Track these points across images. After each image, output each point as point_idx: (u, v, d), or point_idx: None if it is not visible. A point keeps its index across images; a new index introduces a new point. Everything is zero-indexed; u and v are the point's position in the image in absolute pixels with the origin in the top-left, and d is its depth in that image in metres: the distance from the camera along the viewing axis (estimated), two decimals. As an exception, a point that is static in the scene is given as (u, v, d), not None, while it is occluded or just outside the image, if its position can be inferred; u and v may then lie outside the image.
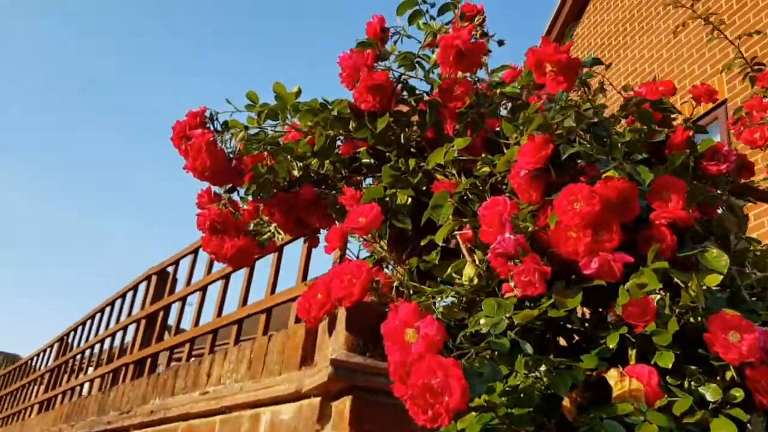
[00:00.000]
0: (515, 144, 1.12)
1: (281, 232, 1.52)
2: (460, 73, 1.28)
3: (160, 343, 3.63)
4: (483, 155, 1.22)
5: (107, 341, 4.69)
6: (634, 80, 5.54)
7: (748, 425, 0.84)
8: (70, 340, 5.79)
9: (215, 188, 1.45)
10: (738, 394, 0.86)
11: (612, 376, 0.85)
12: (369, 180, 1.49)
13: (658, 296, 0.94)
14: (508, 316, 0.90)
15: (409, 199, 1.27)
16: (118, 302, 4.63)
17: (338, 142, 1.45)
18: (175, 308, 3.69)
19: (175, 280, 3.88)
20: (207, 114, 1.38)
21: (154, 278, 4.04)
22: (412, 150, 1.40)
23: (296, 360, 1.29)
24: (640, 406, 0.80)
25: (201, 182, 1.40)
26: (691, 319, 0.93)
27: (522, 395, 0.87)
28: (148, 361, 3.67)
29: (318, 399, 1.18)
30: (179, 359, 3.48)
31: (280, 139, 1.45)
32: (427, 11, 1.39)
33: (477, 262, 1.05)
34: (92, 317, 5.19)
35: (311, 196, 1.44)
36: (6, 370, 7.88)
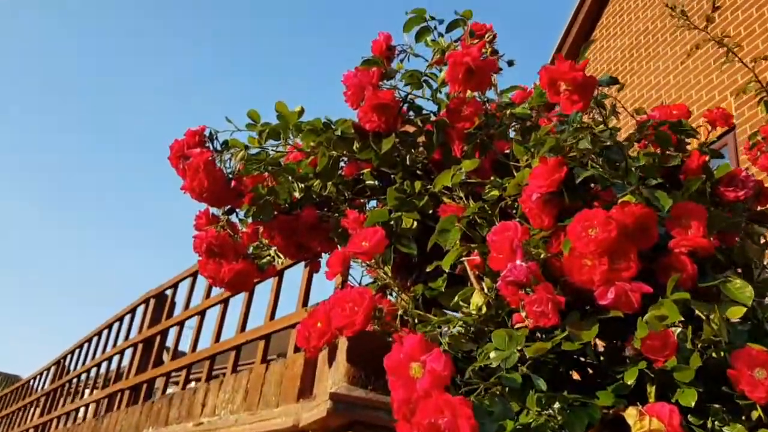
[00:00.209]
0: (526, 166, 1.09)
1: (281, 255, 1.47)
2: (469, 93, 1.24)
3: (156, 369, 3.57)
4: (492, 178, 1.17)
5: (104, 365, 4.64)
6: (641, 107, 5.53)
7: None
8: (67, 362, 5.73)
9: (213, 209, 1.40)
10: (766, 435, 0.80)
11: (631, 414, 0.81)
12: (373, 203, 1.45)
13: (678, 329, 0.89)
14: (519, 348, 0.86)
15: (415, 223, 1.23)
16: (116, 325, 4.59)
17: (341, 163, 1.40)
18: (173, 332, 3.65)
19: (173, 304, 3.84)
20: (206, 133, 1.34)
21: (152, 301, 4.00)
22: (418, 172, 1.35)
23: (294, 391, 1.23)
24: (662, 449, 0.75)
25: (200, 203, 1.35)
26: (714, 354, 0.88)
27: (534, 435, 0.81)
28: (144, 386, 3.62)
29: (316, 434, 1.13)
30: (176, 382, 3.42)
31: (281, 160, 1.41)
32: (435, 28, 1.35)
33: (485, 290, 1.01)
34: (89, 340, 5.15)
35: (313, 219, 1.39)
36: (3, 392, 7.81)
